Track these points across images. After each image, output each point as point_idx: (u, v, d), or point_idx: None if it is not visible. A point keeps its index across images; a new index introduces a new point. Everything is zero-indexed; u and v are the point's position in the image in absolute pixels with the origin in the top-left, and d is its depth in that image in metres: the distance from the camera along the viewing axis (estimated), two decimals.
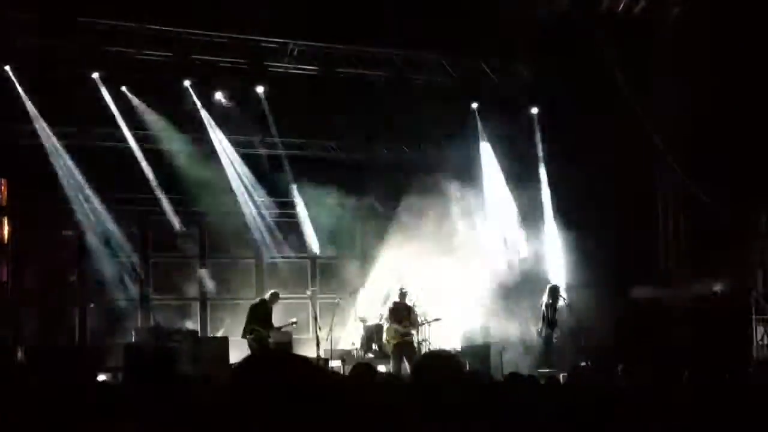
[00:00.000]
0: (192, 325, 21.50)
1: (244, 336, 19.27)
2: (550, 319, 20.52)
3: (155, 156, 22.89)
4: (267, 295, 20.04)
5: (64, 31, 20.43)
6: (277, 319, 20.05)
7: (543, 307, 20.71)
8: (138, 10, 20.75)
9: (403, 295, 20.08)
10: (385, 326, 20.25)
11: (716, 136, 21.09)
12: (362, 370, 7.34)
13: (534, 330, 20.72)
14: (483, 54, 24.26)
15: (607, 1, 20.78)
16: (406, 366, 18.53)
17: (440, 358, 5.00)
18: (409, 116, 24.08)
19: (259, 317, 19.35)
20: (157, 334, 18.36)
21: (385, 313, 20.33)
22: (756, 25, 20.00)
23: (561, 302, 20.55)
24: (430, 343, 20.60)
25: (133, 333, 19.07)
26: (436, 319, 20.37)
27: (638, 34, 22.44)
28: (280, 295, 20.53)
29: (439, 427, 3.82)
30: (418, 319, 20.07)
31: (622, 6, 21.64)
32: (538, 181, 24.86)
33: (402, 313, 19.73)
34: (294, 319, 19.92)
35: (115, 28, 21.05)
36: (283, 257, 24.70)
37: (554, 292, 20.76)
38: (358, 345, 21.57)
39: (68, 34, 20.55)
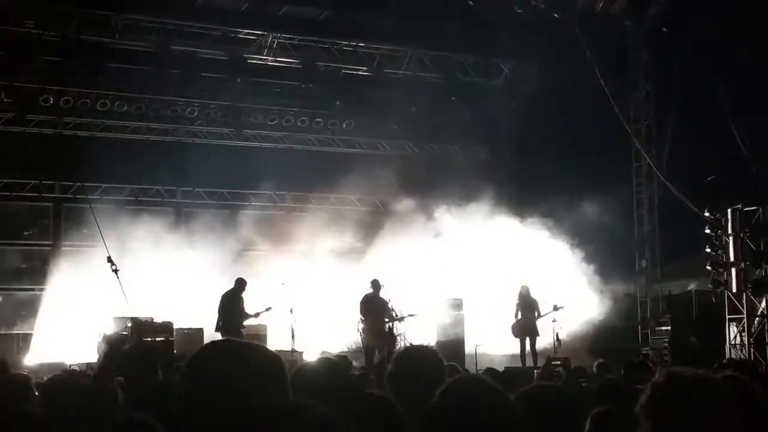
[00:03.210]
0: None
1: (217, 329, 19.06)
2: (523, 317, 20.63)
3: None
4: (234, 284, 19.62)
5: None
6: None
7: (516, 306, 20.83)
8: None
9: (376, 287, 19.72)
10: (360, 319, 20.06)
11: (690, 139, 21.31)
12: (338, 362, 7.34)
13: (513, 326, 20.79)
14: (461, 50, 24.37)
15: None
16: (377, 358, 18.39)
17: (420, 352, 5.00)
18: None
19: (232, 306, 19.04)
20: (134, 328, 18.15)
21: (359, 305, 20.06)
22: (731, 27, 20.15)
23: (535, 303, 20.64)
24: (405, 338, 20.56)
25: (113, 323, 18.88)
26: (411, 315, 20.20)
27: (616, 32, 22.60)
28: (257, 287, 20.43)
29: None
30: (393, 313, 19.89)
31: (602, 5, 21.71)
32: (521, 178, 25.01)
33: (376, 306, 19.48)
34: (269, 306, 19.46)
35: (93, 17, 21.01)
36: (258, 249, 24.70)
37: (526, 291, 20.85)
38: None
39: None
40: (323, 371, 4.63)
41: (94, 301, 21.04)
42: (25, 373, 9.24)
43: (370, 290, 19.57)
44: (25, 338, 22.26)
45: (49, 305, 22.56)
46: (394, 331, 19.90)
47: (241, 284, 19.28)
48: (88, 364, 18.07)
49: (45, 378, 9.36)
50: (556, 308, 20.28)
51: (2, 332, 22.25)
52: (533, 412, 3.79)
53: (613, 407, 4.99)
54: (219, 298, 19.24)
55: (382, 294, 19.62)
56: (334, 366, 4.79)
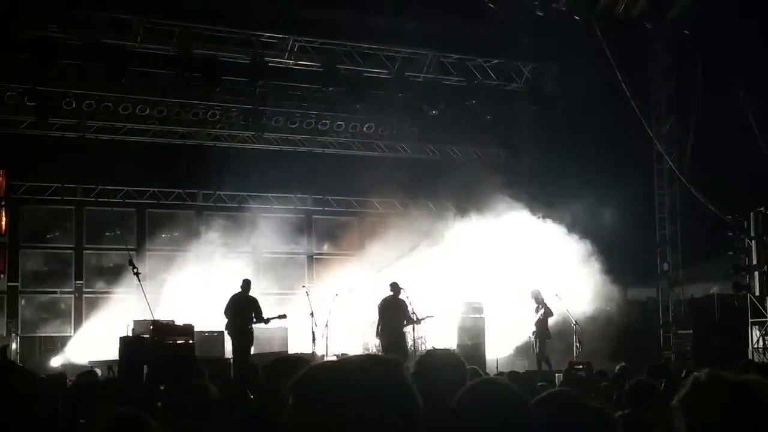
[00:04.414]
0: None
1: (227, 331, 18.75)
2: (542, 319, 20.54)
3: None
4: (242, 286, 19.26)
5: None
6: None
7: (537, 311, 20.74)
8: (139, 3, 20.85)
9: (396, 289, 19.61)
10: (379, 321, 19.96)
11: (712, 141, 21.23)
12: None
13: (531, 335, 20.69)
14: (482, 53, 24.36)
15: (604, 1, 20.72)
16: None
17: (442, 355, 5.00)
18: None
19: (241, 308, 18.65)
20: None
21: (377, 308, 19.94)
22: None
23: (542, 306, 20.54)
24: (425, 341, 20.53)
25: (134, 325, 18.88)
26: (429, 316, 20.09)
27: (637, 34, 22.53)
28: (277, 291, 20.42)
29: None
30: (414, 316, 19.80)
31: (622, 7, 21.64)
32: (541, 181, 24.94)
33: (394, 308, 19.38)
34: (283, 313, 19.18)
35: (115, 20, 21.12)
36: (277, 252, 24.79)
37: (540, 293, 20.79)
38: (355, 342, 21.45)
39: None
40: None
41: (116, 304, 21.16)
42: (43, 375, 9.28)
43: (390, 292, 19.52)
44: (48, 341, 22.40)
45: (75, 308, 22.75)
46: (414, 334, 19.86)
47: (247, 285, 19.00)
48: (109, 366, 18.18)
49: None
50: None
51: (26, 335, 22.36)
52: (554, 416, 3.77)
53: (637, 410, 4.97)
54: (227, 301, 18.96)
55: (402, 296, 19.55)
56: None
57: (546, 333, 20.34)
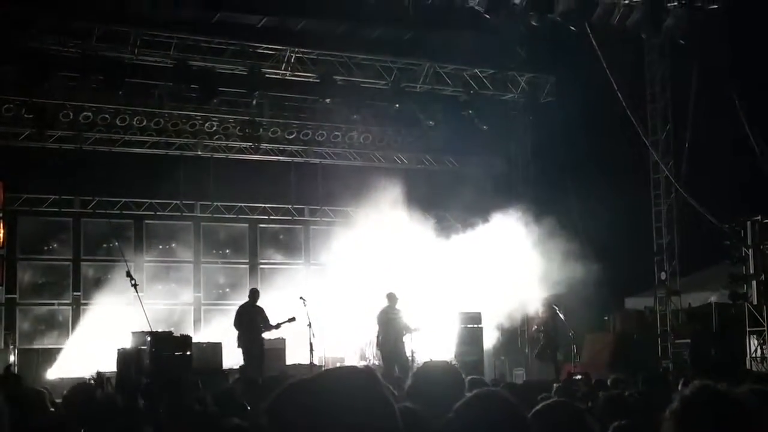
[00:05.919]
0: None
1: (238, 345, 18.70)
2: (545, 333, 20.56)
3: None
4: (248, 296, 19.28)
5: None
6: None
7: (541, 324, 20.74)
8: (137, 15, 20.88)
9: (392, 300, 19.61)
10: (377, 332, 19.95)
11: (708, 150, 21.28)
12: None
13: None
14: (478, 63, 24.40)
15: (600, 10, 20.74)
16: (397, 371, 18.32)
17: (439, 367, 5.01)
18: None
19: (249, 319, 18.67)
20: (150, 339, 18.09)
21: (376, 319, 19.94)
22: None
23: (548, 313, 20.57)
24: (415, 353, 20.45)
25: (131, 337, 18.83)
26: (416, 329, 20.00)
27: (633, 44, 22.58)
28: (275, 301, 20.38)
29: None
30: (409, 327, 19.80)
31: (618, 17, 21.67)
32: (538, 191, 24.94)
33: (392, 319, 19.38)
34: (292, 316, 19.07)
35: (112, 32, 21.14)
36: (275, 262, 24.81)
37: (544, 303, 20.80)
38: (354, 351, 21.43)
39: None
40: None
41: (114, 315, 21.12)
42: (41, 388, 9.26)
43: (387, 303, 19.54)
44: (46, 353, 22.35)
45: (72, 320, 22.72)
46: (409, 344, 19.84)
47: (254, 294, 19.00)
48: (107, 378, 18.15)
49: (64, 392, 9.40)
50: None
51: (24, 347, 22.33)
52: (550, 428, 3.78)
53: (633, 421, 4.97)
54: (234, 313, 19.04)
55: (398, 307, 19.59)
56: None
57: (552, 341, 20.38)
